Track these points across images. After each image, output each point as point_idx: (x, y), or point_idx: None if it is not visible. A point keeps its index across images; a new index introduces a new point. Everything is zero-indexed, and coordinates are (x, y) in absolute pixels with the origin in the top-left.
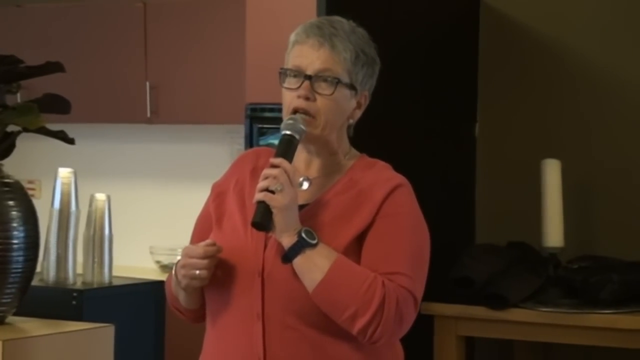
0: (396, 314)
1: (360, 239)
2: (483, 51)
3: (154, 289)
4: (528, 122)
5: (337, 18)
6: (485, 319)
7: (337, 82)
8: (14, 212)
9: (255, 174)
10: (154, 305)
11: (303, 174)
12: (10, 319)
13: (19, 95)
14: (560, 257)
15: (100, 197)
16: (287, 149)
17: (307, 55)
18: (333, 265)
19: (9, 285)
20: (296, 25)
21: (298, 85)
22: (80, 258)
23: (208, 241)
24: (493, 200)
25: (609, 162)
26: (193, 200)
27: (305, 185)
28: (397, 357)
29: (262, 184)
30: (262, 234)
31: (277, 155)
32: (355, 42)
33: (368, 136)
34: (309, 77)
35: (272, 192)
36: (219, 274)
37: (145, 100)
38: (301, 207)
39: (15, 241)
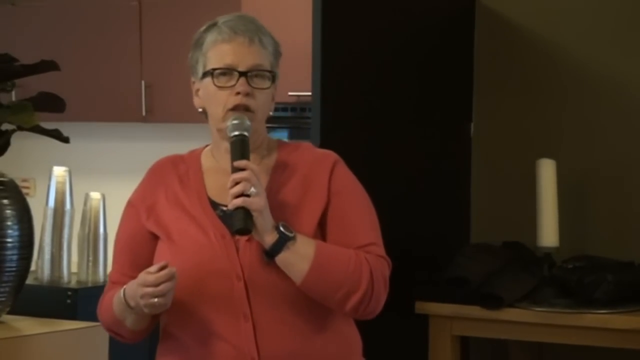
0: (384, 284)
1: (320, 223)
2: (478, 51)
3: None
4: (523, 121)
5: (249, 15)
6: (480, 318)
7: (272, 75)
8: (8, 211)
9: (185, 183)
10: None
11: None
12: (5, 317)
13: (13, 93)
14: (555, 257)
15: (95, 195)
16: (243, 149)
17: (238, 53)
18: (316, 251)
19: (3, 284)
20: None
21: (233, 83)
22: (74, 257)
23: (160, 264)
24: (488, 200)
25: (604, 162)
26: None
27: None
28: (358, 342)
29: (236, 189)
30: (229, 239)
31: (237, 157)
32: (272, 37)
33: (364, 135)
34: (244, 74)
35: (247, 195)
36: (192, 288)
37: (141, 99)
38: None
39: (9, 240)
